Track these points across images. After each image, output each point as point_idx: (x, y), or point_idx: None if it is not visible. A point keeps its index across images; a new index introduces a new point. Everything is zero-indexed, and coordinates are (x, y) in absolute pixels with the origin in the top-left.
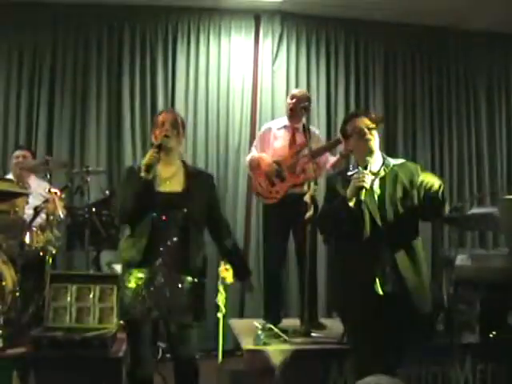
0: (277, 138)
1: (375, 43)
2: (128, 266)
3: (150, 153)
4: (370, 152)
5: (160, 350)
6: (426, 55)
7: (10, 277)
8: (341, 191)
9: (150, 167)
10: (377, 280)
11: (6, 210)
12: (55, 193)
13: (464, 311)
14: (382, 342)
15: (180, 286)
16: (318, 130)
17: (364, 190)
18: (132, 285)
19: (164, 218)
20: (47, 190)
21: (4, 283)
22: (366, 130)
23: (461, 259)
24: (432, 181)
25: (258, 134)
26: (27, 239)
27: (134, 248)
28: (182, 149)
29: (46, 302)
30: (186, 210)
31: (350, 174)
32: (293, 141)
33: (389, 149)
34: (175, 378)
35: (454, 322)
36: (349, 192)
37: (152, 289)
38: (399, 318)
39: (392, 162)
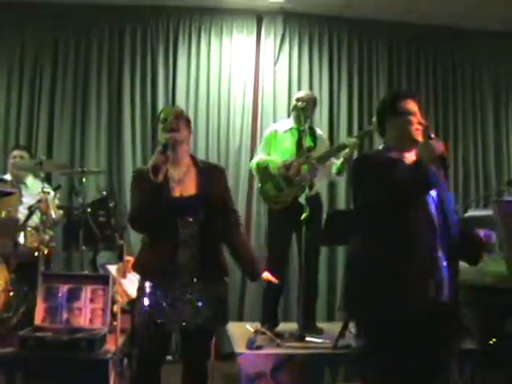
0: (283, 141)
1: (379, 43)
2: (147, 277)
3: (156, 154)
4: (414, 141)
5: None
6: (430, 54)
7: (2, 276)
8: (390, 172)
9: (157, 169)
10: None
11: None
12: (48, 192)
13: (464, 316)
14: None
15: (202, 293)
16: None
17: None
18: (151, 295)
19: (182, 223)
20: (40, 190)
21: None
22: (419, 117)
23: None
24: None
25: (264, 136)
26: (21, 239)
27: (154, 257)
28: (190, 144)
29: (37, 301)
30: (202, 214)
31: (388, 155)
32: (300, 144)
33: None
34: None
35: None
36: (424, 158)
37: (173, 300)
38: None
39: None
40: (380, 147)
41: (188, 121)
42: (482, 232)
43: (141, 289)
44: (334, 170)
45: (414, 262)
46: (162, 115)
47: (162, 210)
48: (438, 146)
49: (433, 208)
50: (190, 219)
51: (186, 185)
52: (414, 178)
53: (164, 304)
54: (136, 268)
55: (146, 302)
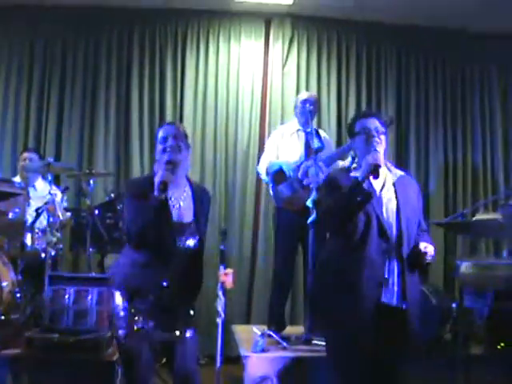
0: (291, 143)
1: (387, 46)
2: (130, 295)
3: (164, 170)
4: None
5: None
6: (439, 57)
7: (9, 278)
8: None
9: (165, 185)
10: (382, 289)
11: (5, 210)
12: (55, 194)
13: (471, 321)
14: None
15: (177, 317)
16: (328, 133)
17: (376, 173)
18: (129, 316)
19: (176, 248)
20: (48, 192)
21: (3, 284)
22: (374, 132)
23: (465, 267)
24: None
25: (270, 138)
26: (28, 240)
27: (142, 277)
28: (189, 164)
29: (44, 303)
30: (195, 242)
31: (354, 175)
32: (308, 145)
33: (401, 153)
34: None
35: (460, 333)
36: (362, 172)
37: (151, 321)
38: (395, 333)
39: (396, 170)
40: (352, 166)
41: (186, 137)
42: (423, 244)
43: (123, 306)
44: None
45: (366, 269)
46: (160, 134)
47: (162, 231)
48: (374, 157)
49: (389, 219)
50: (184, 245)
51: (184, 210)
52: (353, 191)
53: (140, 325)
54: (120, 282)
55: (124, 322)
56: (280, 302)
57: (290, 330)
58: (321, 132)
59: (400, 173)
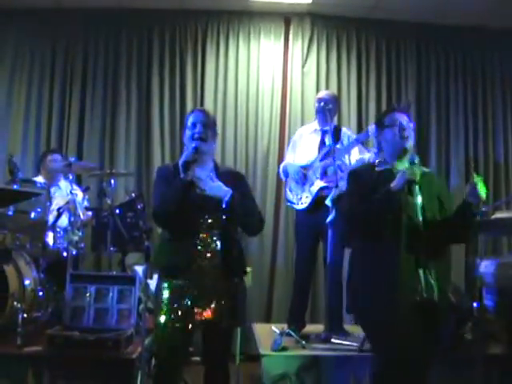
0: (307, 142)
1: (407, 44)
2: (169, 273)
3: (187, 153)
4: (404, 150)
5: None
6: (459, 55)
7: (32, 276)
8: (373, 185)
9: (188, 167)
10: (416, 285)
11: (27, 210)
12: (77, 194)
13: (491, 320)
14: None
15: (222, 289)
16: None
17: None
18: (172, 293)
19: (204, 223)
20: (69, 192)
21: (26, 282)
22: (406, 126)
23: (485, 266)
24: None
25: (291, 140)
26: (50, 240)
27: (176, 253)
28: (215, 149)
29: (65, 301)
30: (223, 215)
31: (378, 169)
32: (322, 143)
33: (421, 151)
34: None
35: (480, 332)
36: (396, 183)
37: (192, 298)
38: (429, 328)
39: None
40: (376, 161)
41: (214, 125)
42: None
43: (160, 286)
44: None
45: (399, 265)
46: (190, 120)
47: (187, 207)
48: (411, 172)
49: (416, 216)
50: (212, 219)
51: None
52: (385, 202)
53: (183, 302)
54: (157, 264)
55: (166, 299)
56: (300, 301)
57: (309, 328)
58: (345, 130)
59: (425, 170)
